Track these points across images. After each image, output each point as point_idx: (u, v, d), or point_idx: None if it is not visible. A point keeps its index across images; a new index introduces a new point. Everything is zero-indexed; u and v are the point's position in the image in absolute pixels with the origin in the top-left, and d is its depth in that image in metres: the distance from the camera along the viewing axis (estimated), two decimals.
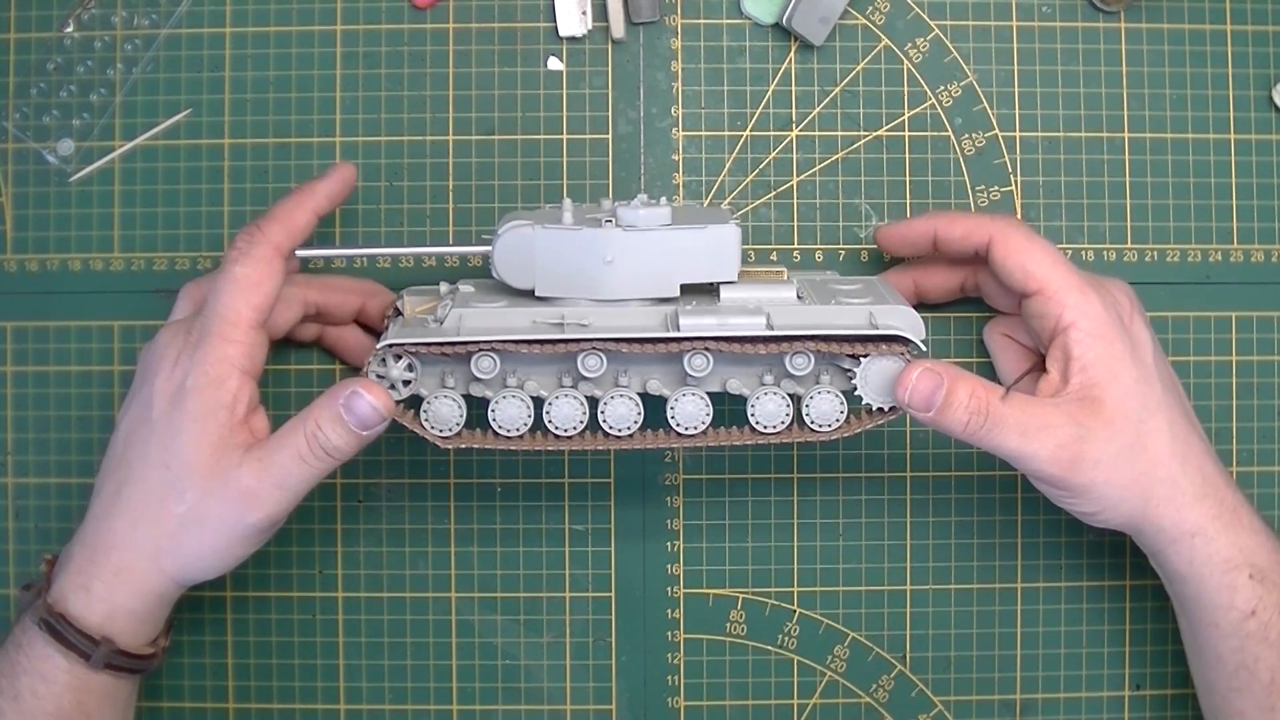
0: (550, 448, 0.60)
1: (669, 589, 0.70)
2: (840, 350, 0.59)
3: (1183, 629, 0.63)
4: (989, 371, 0.68)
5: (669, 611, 0.70)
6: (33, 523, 0.69)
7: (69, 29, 0.69)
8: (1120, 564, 0.70)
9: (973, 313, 0.69)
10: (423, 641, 0.70)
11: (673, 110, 0.69)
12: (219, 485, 0.56)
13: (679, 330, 0.58)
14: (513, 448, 0.60)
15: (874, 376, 0.59)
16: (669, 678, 0.70)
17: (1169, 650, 0.69)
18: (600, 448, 0.60)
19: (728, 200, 0.69)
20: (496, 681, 0.70)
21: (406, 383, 0.59)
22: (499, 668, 0.70)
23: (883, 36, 0.69)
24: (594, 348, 0.58)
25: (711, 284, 0.61)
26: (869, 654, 0.70)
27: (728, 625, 0.70)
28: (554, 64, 0.69)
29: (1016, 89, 0.69)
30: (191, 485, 0.56)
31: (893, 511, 0.70)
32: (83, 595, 0.57)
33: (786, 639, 0.70)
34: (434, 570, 0.69)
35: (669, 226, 0.59)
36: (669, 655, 0.70)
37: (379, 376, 0.59)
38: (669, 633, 0.70)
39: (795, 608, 0.70)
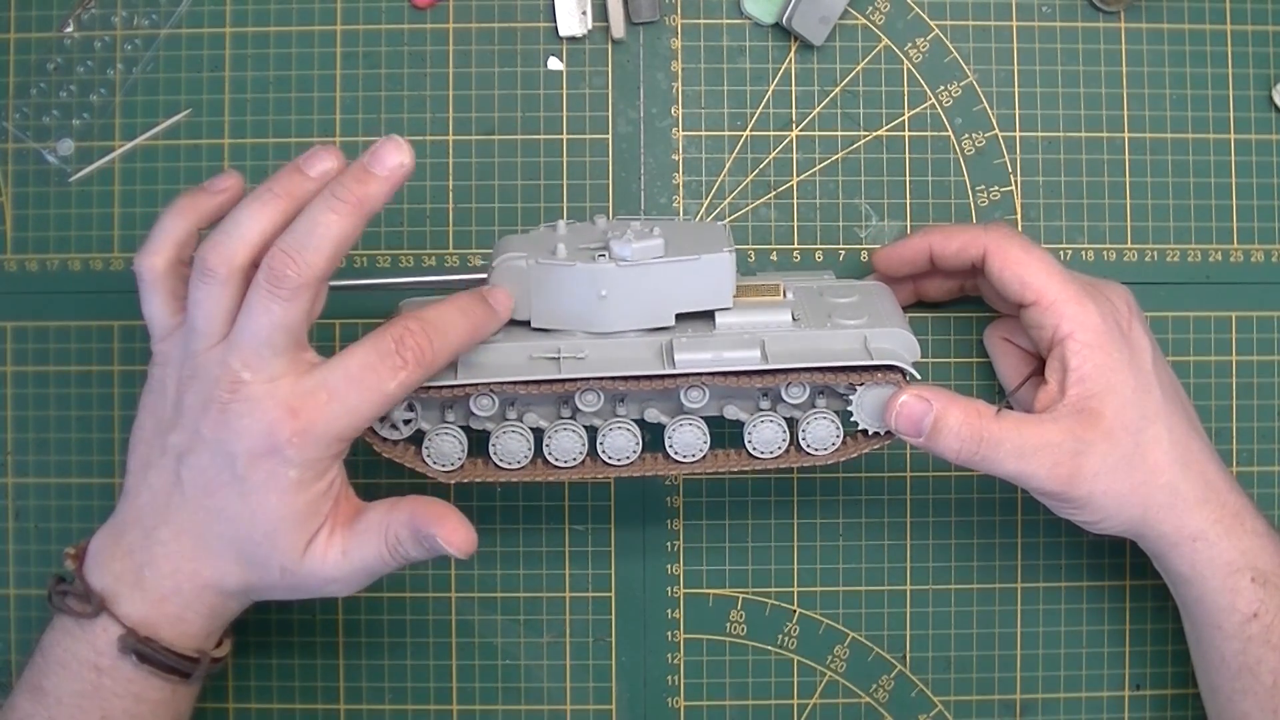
0: (550, 479, 0.61)
1: (669, 589, 0.70)
2: (836, 380, 0.59)
3: (1187, 631, 0.63)
4: (990, 372, 0.69)
5: (669, 611, 0.70)
6: (33, 523, 0.69)
7: (69, 29, 0.69)
8: (1120, 564, 0.70)
9: (973, 313, 0.69)
10: (423, 641, 0.70)
11: (673, 110, 0.69)
12: (305, 573, 0.55)
13: (674, 366, 0.58)
14: (514, 480, 0.61)
15: (869, 403, 0.60)
16: (669, 678, 0.70)
17: (1169, 650, 0.69)
18: (600, 476, 0.61)
19: (728, 200, 0.69)
20: (496, 681, 0.70)
21: (408, 421, 0.60)
22: (499, 668, 0.70)
23: (883, 36, 0.69)
24: (590, 386, 0.59)
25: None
26: (869, 654, 0.70)
27: (728, 625, 0.70)
28: (554, 64, 0.69)
29: (1016, 89, 0.69)
30: (280, 564, 0.55)
31: (893, 511, 0.70)
32: (179, 625, 0.56)
33: (786, 639, 0.70)
34: (434, 570, 0.69)
35: (662, 260, 0.59)
36: (669, 655, 0.70)
37: (380, 418, 0.59)
38: (669, 633, 0.70)
39: (795, 608, 0.70)
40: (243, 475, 0.53)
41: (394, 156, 0.54)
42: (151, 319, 0.57)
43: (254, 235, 0.54)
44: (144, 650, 0.55)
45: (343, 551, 0.55)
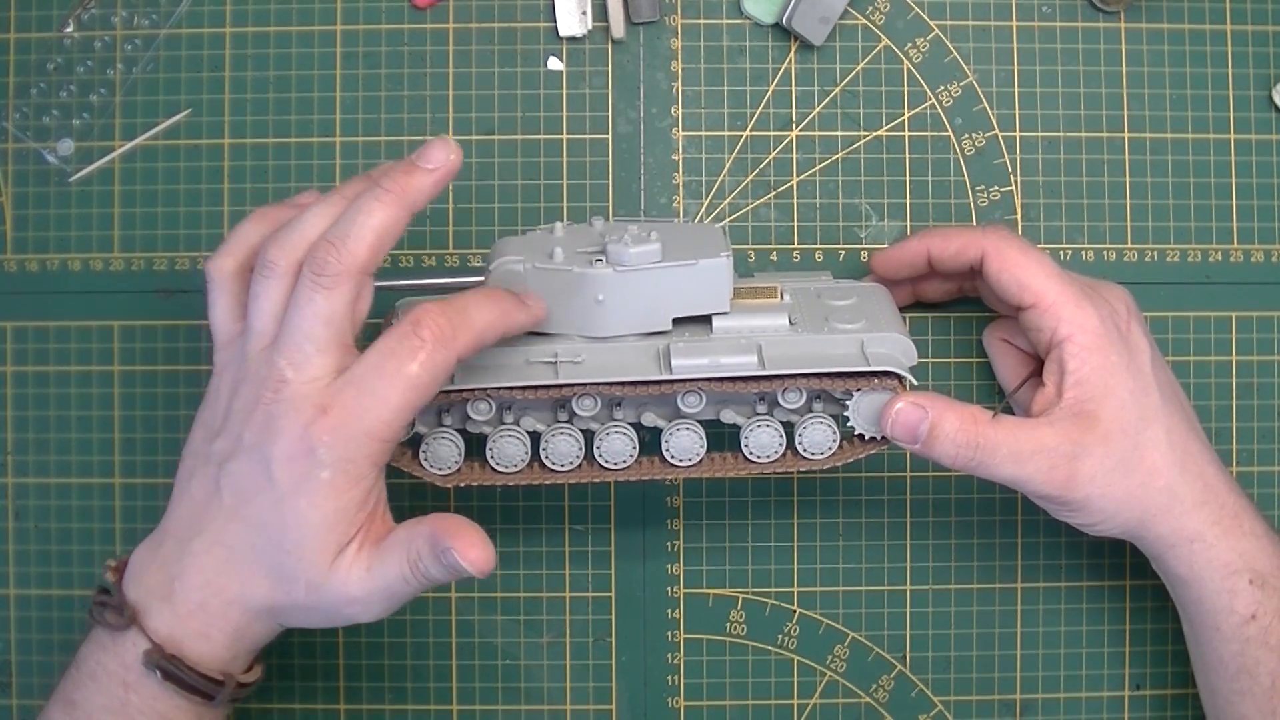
0: (547, 482, 0.61)
1: (669, 589, 0.70)
2: (832, 385, 0.59)
3: (1186, 633, 0.64)
4: (989, 373, 0.69)
5: (669, 611, 0.70)
6: (33, 523, 0.69)
7: (69, 29, 0.69)
8: (1120, 564, 0.70)
9: (973, 313, 0.69)
10: (423, 641, 0.70)
11: (673, 110, 0.69)
12: (329, 590, 0.54)
13: (671, 371, 0.58)
14: (510, 483, 0.61)
15: (866, 408, 0.60)
16: (669, 678, 0.70)
17: (1169, 650, 0.69)
18: (597, 480, 0.61)
19: (728, 200, 0.69)
20: (496, 681, 0.70)
21: None
22: (499, 668, 0.70)
23: (883, 36, 0.69)
24: (587, 391, 0.59)
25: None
26: (869, 654, 0.70)
27: (728, 625, 0.70)
28: (554, 64, 0.69)
29: (1016, 89, 0.69)
30: (306, 579, 0.54)
31: (893, 511, 0.70)
32: (204, 643, 0.55)
33: (786, 639, 0.70)
34: None
35: (659, 265, 0.58)
36: (669, 655, 0.70)
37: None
38: (669, 633, 0.70)
39: (795, 608, 0.70)
40: (277, 479, 0.53)
41: (441, 153, 0.55)
42: (215, 324, 0.57)
43: (315, 233, 0.54)
44: (167, 667, 0.54)
45: (367, 568, 0.54)
